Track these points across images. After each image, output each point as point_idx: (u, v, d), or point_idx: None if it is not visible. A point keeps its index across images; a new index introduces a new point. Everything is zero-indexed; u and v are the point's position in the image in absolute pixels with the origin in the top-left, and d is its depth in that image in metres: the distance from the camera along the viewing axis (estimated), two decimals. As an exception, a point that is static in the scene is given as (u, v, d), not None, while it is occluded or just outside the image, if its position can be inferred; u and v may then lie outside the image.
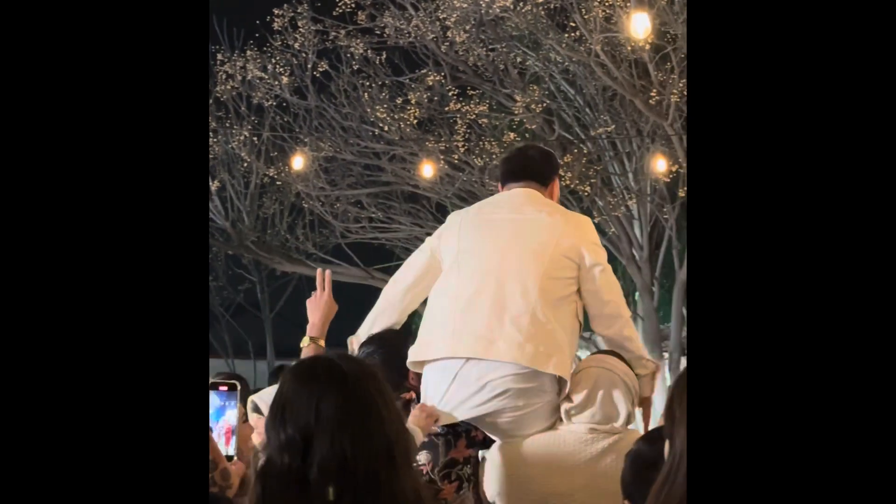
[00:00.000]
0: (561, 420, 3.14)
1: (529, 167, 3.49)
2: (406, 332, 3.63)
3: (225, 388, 2.58)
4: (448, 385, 3.13)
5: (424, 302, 3.45)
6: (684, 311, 12.14)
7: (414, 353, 3.26)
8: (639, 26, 8.91)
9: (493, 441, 3.21)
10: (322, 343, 3.31)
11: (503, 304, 3.13)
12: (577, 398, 3.12)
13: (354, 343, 3.48)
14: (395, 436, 1.99)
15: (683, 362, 3.23)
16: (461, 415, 3.12)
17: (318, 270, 3.51)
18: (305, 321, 3.40)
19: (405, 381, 3.33)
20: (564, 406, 3.13)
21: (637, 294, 12.43)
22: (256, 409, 3.34)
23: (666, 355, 12.09)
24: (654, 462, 2.00)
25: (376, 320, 3.50)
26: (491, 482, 3.17)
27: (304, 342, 3.32)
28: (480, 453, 3.23)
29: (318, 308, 3.37)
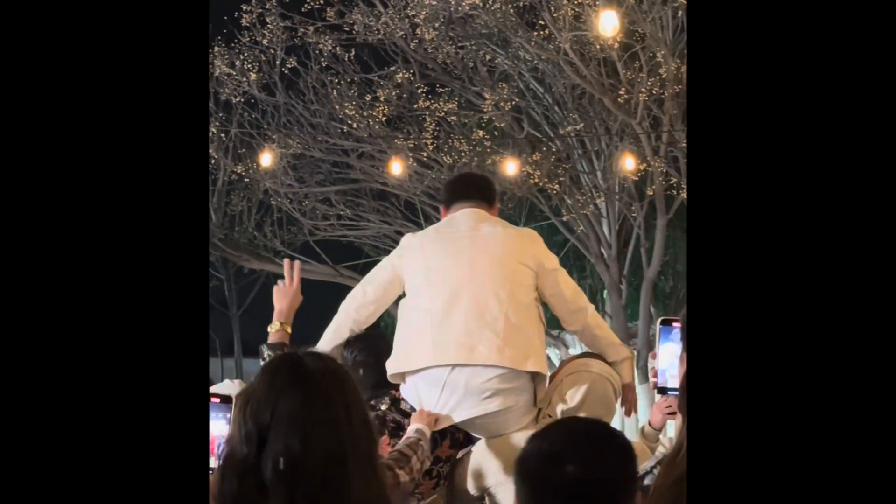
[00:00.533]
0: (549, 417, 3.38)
1: (476, 189, 3.77)
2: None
3: (217, 399, 2.58)
4: (439, 392, 3.32)
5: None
6: (652, 309, 12.21)
7: (395, 365, 3.42)
8: (607, 24, 8.92)
9: (472, 441, 3.45)
10: (288, 329, 3.44)
11: (479, 311, 3.35)
12: (574, 399, 3.39)
13: None
14: (351, 438, 1.97)
15: (651, 361, 3.34)
16: (457, 418, 3.33)
17: (286, 261, 3.64)
18: (273, 319, 3.51)
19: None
20: (560, 407, 3.38)
21: (605, 292, 12.48)
22: None
23: (634, 353, 12.11)
24: None
25: (336, 333, 3.63)
26: (482, 476, 3.37)
27: (273, 327, 3.45)
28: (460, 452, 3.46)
29: (286, 296, 3.53)
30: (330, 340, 3.58)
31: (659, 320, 3.01)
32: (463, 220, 3.63)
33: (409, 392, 3.43)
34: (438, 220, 11.82)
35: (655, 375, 3.00)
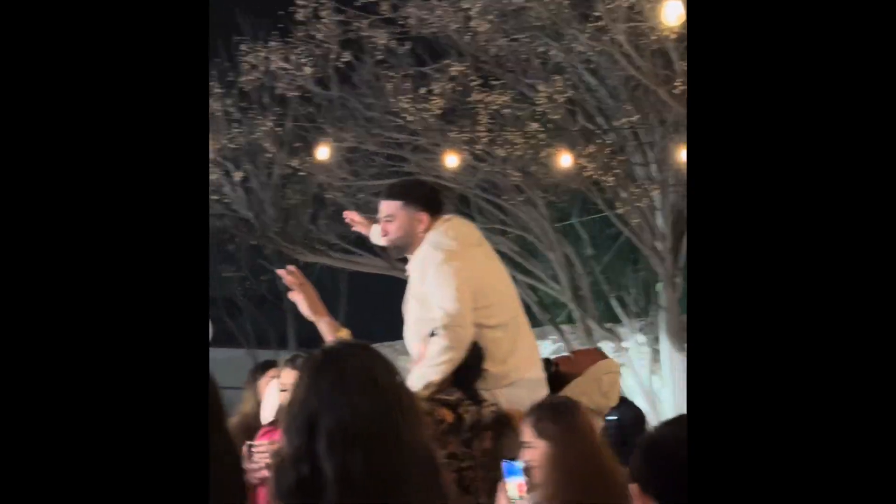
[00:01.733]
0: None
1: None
2: None
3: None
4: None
5: None
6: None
7: (505, 375, 3.80)
8: (672, 13, 8.85)
9: None
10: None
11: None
12: (613, 397, 3.94)
13: None
14: (399, 409, 2.06)
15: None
16: None
17: (282, 272, 3.93)
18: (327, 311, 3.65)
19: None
20: (601, 401, 3.85)
21: (659, 285, 12.39)
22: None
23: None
24: (670, 453, 2.11)
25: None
26: None
27: (341, 332, 3.68)
28: None
29: (309, 296, 3.83)
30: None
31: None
32: (469, 231, 4.09)
33: (506, 397, 3.71)
34: (493, 213, 11.69)
35: None
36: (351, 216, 4.71)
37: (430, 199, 4.10)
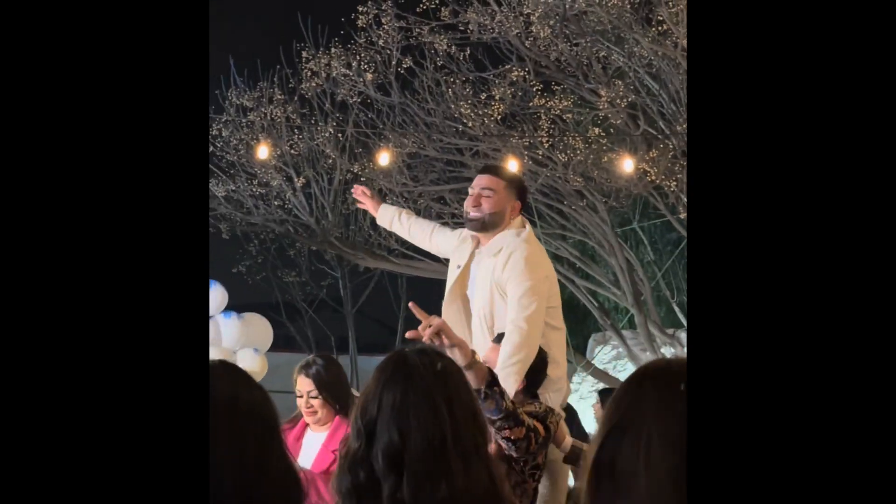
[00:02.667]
0: None
1: None
2: None
3: None
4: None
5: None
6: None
7: (559, 379, 3.97)
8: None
9: None
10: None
11: None
12: None
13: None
14: (453, 428, 2.02)
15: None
16: None
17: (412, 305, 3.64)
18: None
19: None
20: None
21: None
22: None
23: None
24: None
25: None
26: None
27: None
28: None
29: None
30: None
31: None
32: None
33: (555, 403, 3.79)
34: (554, 218, 11.66)
35: None
36: (360, 190, 4.82)
37: (524, 190, 4.32)
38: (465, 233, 4.41)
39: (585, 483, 1.77)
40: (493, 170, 4.44)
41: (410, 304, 3.40)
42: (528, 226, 4.23)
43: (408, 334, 3.29)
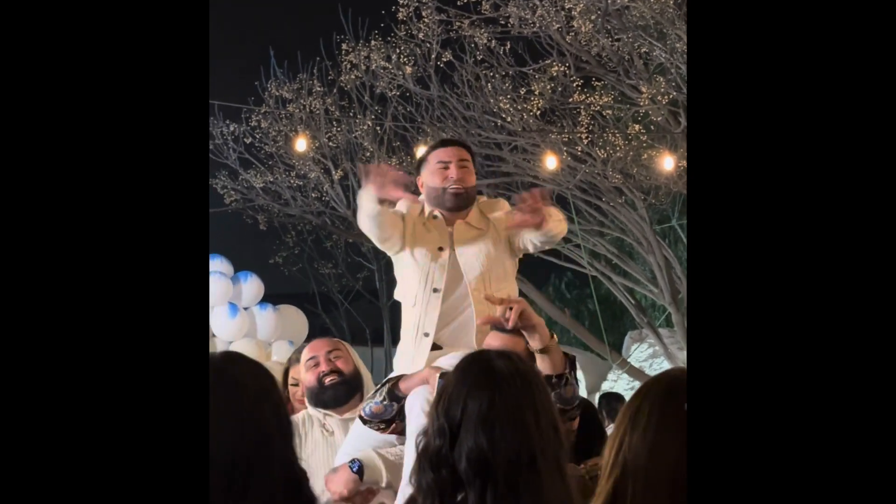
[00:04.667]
0: None
1: None
2: None
3: None
4: None
5: None
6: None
7: None
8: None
9: None
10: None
11: None
12: None
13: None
14: (540, 441, 2.02)
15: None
16: None
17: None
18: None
19: None
20: None
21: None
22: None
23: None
24: None
25: None
26: None
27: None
28: None
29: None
30: None
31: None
32: None
33: None
34: (591, 215, 11.58)
35: None
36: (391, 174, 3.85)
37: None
38: (419, 210, 3.75)
39: (606, 480, 1.93)
40: (458, 142, 3.91)
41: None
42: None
43: (481, 320, 3.19)
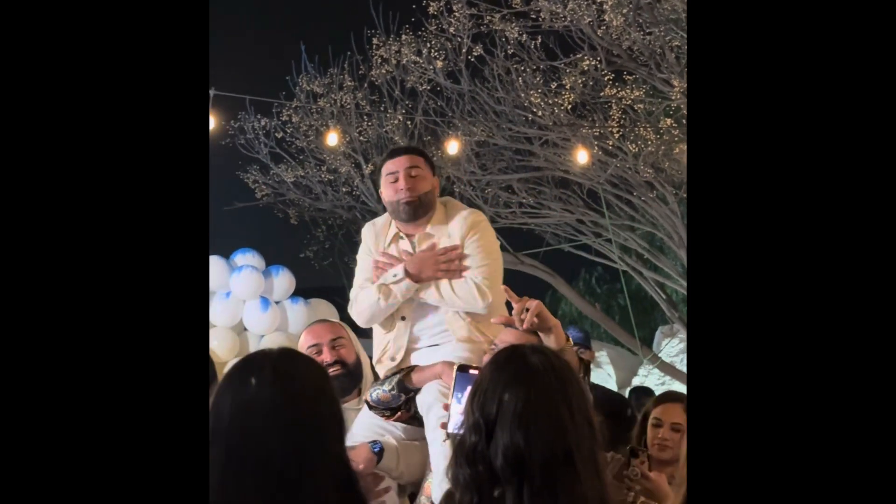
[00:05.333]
0: None
1: None
2: None
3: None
4: None
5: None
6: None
7: None
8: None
9: None
10: None
11: None
12: None
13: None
14: (576, 438, 2.02)
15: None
16: None
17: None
18: None
19: None
20: None
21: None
22: None
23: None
24: None
25: None
26: None
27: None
28: None
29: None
30: None
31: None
32: None
33: None
34: (622, 209, 11.46)
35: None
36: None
37: (434, 167, 3.79)
38: (377, 238, 3.70)
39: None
40: (406, 149, 3.86)
41: (503, 288, 3.31)
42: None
43: (496, 320, 3.18)
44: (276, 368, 2.07)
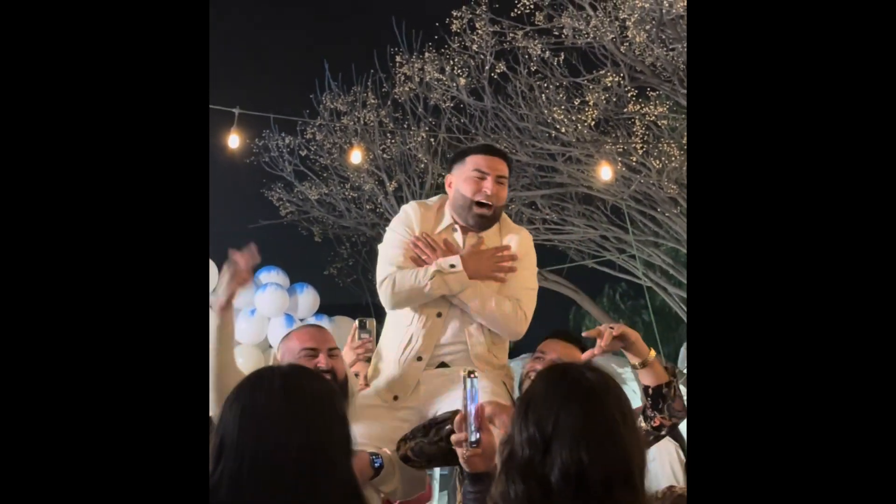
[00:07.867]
0: None
1: None
2: None
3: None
4: None
5: None
6: None
7: None
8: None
9: None
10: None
11: None
12: None
13: None
14: (632, 455, 2.01)
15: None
16: None
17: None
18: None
19: None
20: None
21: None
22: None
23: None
24: None
25: None
26: None
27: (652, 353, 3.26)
28: None
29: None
30: None
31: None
32: None
33: None
34: (646, 225, 11.41)
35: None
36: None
37: None
38: (431, 221, 3.46)
39: None
40: (497, 151, 3.51)
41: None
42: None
43: (587, 333, 3.05)
44: (284, 384, 2.09)
